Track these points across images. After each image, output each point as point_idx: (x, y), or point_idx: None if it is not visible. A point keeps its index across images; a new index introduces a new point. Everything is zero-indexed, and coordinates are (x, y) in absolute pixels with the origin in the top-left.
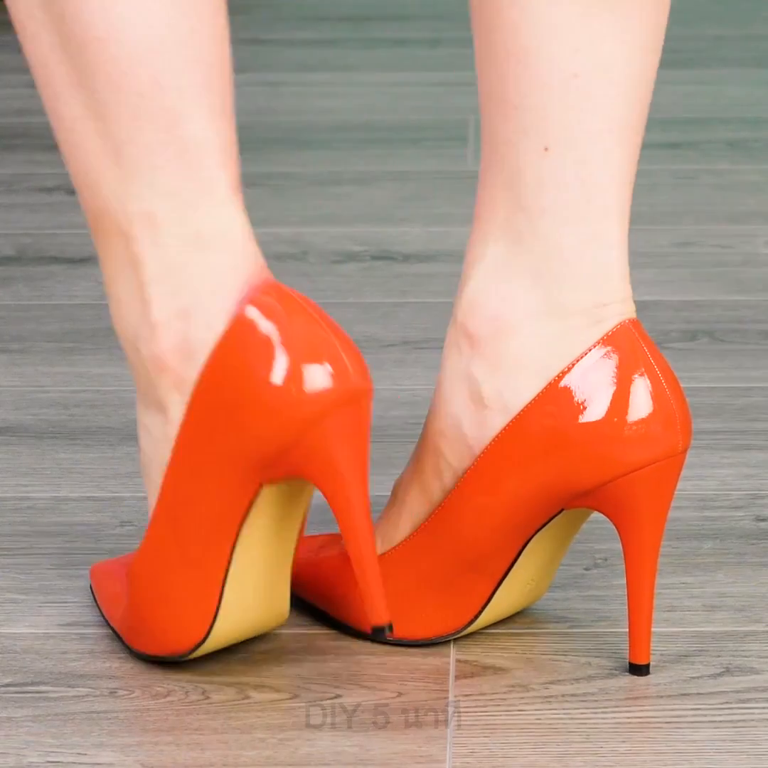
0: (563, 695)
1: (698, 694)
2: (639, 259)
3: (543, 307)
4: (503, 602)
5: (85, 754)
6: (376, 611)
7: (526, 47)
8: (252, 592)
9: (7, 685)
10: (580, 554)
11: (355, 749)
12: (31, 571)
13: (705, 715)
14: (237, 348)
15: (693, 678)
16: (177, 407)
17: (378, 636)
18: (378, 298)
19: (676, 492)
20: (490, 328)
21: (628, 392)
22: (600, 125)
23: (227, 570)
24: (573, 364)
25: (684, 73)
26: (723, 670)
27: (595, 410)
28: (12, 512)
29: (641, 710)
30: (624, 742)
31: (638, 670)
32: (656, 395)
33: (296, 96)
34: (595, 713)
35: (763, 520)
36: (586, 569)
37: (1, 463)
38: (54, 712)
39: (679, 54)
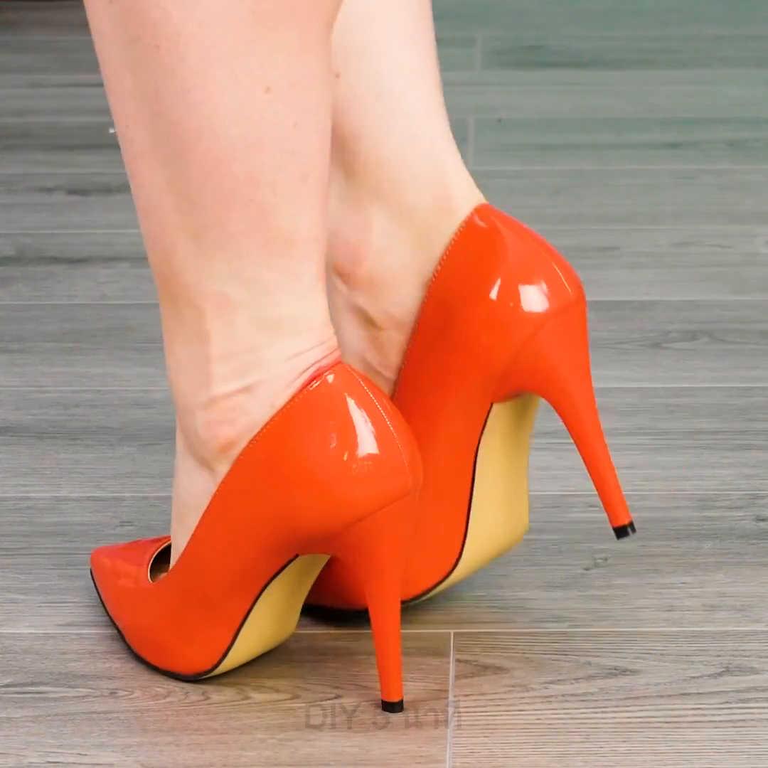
0: (563, 695)
1: (698, 694)
2: (639, 259)
3: (391, 218)
4: (481, 539)
5: (85, 755)
6: (392, 688)
7: None
8: (265, 628)
9: (7, 685)
10: (580, 554)
11: (355, 749)
12: (31, 571)
13: (705, 715)
14: (296, 425)
15: (693, 678)
16: (224, 468)
17: (388, 710)
18: None
19: (589, 338)
20: (352, 256)
21: (508, 251)
22: (376, 35)
23: (245, 618)
24: (442, 262)
25: (684, 73)
26: (723, 670)
27: (488, 285)
28: (12, 512)
29: (641, 710)
30: (624, 742)
31: (623, 532)
32: (536, 243)
33: None
34: (595, 713)
35: (763, 520)
36: (586, 569)
37: (1, 463)
38: (54, 713)
39: (679, 54)
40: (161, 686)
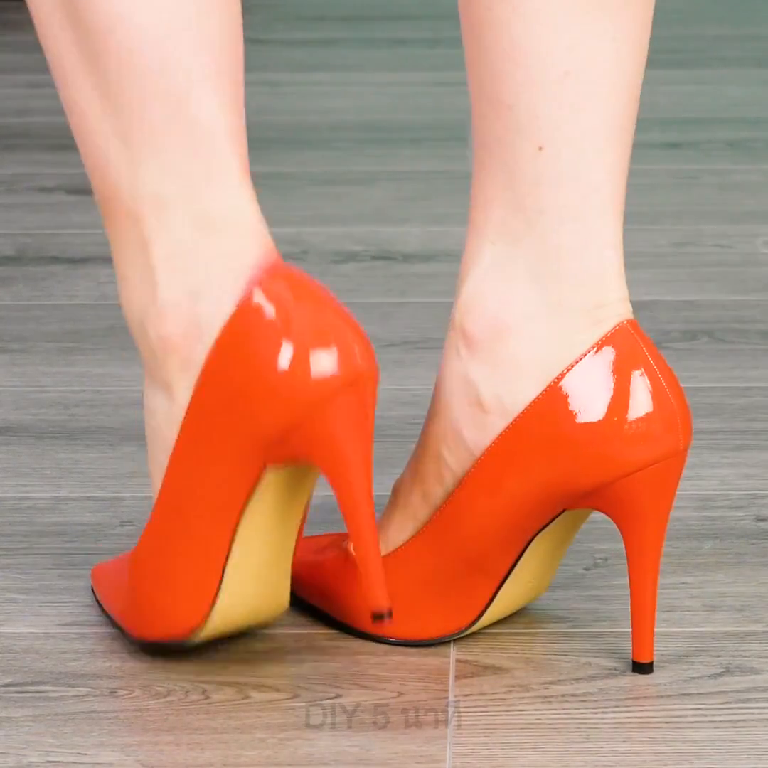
0: (563, 695)
1: (698, 694)
2: (639, 259)
3: (541, 308)
4: (504, 601)
5: (85, 754)
6: (377, 597)
7: (518, 45)
8: (252, 577)
9: (7, 685)
10: (580, 554)
11: (355, 749)
12: (31, 571)
13: (705, 715)
14: (245, 330)
15: (693, 678)
16: (183, 388)
17: (377, 622)
18: (378, 298)
19: (677, 491)
20: (488, 329)
21: (628, 392)
22: (592, 123)
23: (229, 553)
24: (572, 366)
25: (684, 73)
26: (723, 670)
27: (595, 410)
28: (12, 512)
29: (641, 710)
30: (624, 742)
31: (641, 668)
32: (656, 394)
33: (296, 96)
34: (595, 713)
35: (763, 520)
36: (586, 569)
37: (1, 463)
38: (54, 712)
39: (679, 54)
40: (161, 685)
